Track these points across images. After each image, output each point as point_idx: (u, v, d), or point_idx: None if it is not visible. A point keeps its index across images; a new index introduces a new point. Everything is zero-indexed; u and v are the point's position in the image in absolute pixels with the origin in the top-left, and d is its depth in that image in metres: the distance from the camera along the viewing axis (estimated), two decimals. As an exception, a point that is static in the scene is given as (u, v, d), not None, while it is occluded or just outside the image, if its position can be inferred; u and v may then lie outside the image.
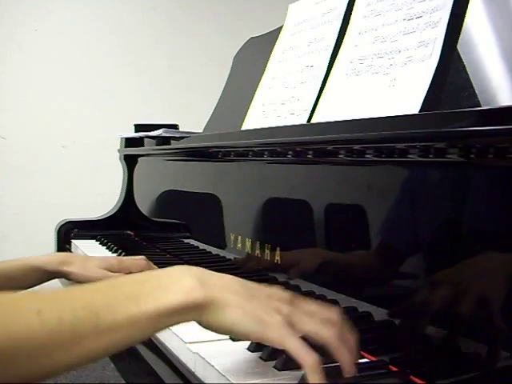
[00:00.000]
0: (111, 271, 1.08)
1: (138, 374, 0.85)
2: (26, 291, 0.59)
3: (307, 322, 0.59)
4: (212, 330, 0.59)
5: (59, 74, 2.93)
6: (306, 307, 0.61)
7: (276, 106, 1.08)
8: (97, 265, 1.08)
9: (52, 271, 1.05)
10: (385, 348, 0.67)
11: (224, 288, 0.59)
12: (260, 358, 0.67)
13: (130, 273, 1.09)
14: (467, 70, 0.73)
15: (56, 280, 1.12)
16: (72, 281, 1.10)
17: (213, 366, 0.65)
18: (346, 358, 0.58)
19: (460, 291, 0.60)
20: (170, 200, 1.51)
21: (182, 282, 0.58)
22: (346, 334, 0.60)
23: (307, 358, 0.55)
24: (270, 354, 0.66)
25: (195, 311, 0.57)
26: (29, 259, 1.05)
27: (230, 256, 1.10)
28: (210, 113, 1.50)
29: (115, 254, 1.36)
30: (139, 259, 1.13)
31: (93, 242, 1.58)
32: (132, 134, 1.72)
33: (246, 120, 1.16)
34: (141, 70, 3.04)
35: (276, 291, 0.63)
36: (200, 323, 0.59)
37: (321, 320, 0.60)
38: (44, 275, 1.06)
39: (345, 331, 0.60)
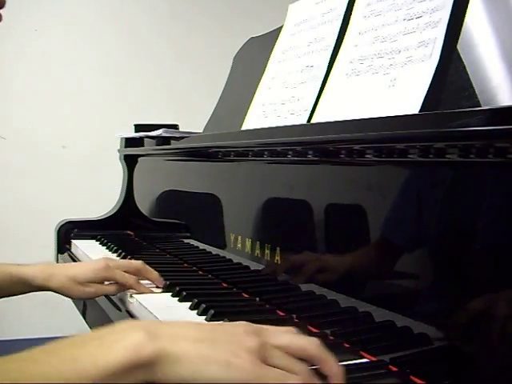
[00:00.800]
0: (99, 279, 1.02)
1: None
2: None
3: (278, 357, 0.53)
4: None
5: (59, 74, 2.93)
6: (275, 339, 0.55)
7: (276, 106, 1.08)
8: (84, 278, 1.01)
9: (37, 286, 1.02)
10: (385, 348, 0.67)
11: (177, 337, 0.52)
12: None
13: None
14: (467, 70, 0.73)
15: None
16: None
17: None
18: (334, 367, 0.54)
19: (460, 291, 0.60)
20: (170, 200, 1.51)
21: (128, 338, 0.50)
22: (329, 366, 0.54)
23: (290, 382, 0.51)
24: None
25: (146, 369, 0.50)
26: (19, 268, 1.02)
27: (230, 256, 1.10)
28: (210, 113, 1.50)
29: (115, 254, 1.36)
30: (136, 263, 1.07)
31: (93, 241, 1.58)
32: (132, 134, 1.72)
33: (245, 120, 1.16)
34: (141, 70, 3.04)
35: (239, 325, 0.56)
36: (154, 382, 0.50)
37: (292, 356, 0.54)
38: (29, 288, 1.03)
39: (328, 363, 0.55)
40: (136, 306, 0.94)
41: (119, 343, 0.50)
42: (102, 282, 1.02)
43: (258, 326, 0.56)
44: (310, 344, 0.56)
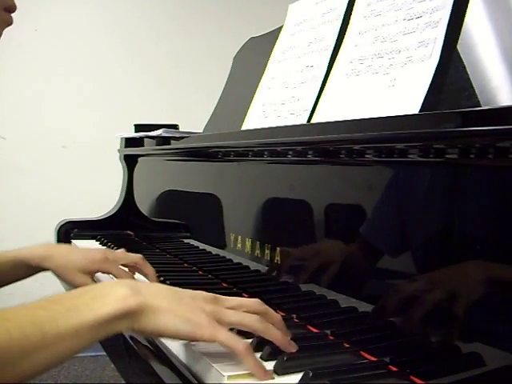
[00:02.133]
0: (93, 270, 1.04)
1: (138, 374, 0.85)
2: None
3: (231, 314, 0.67)
4: (145, 334, 0.66)
5: (59, 74, 2.93)
6: (227, 303, 0.69)
7: (276, 106, 1.08)
8: (78, 267, 1.03)
9: (35, 266, 1.04)
10: (385, 348, 0.67)
11: (154, 294, 0.65)
12: (260, 357, 0.67)
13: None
14: (467, 70, 0.73)
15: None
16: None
17: (213, 366, 0.65)
18: (275, 335, 0.66)
19: (460, 291, 0.60)
20: (170, 200, 1.51)
21: (116, 292, 0.63)
22: (270, 316, 0.69)
23: (238, 345, 0.63)
24: (270, 355, 0.66)
25: (130, 318, 0.62)
26: (18, 252, 1.04)
27: (230, 256, 1.10)
28: (210, 113, 1.50)
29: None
30: (133, 256, 1.09)
31: (93, 242, 1.58)
32: (132, 134, 1.72)
33: (246, 120, 1.16)
34: (141, 70, 3.04)
35: (199, 293, 0.69)
36: (133, 329, 0.64)
37: (243, 311, 0.68)
38: (30, 270, 1.05)
39: (268, 314, 0.69)
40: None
41: (110, 296, 0.62)
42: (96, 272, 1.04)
43: (214, 294, 0.70)
44: (253, 302, 0.71)
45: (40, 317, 0.59)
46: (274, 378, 0.63)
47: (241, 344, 0.63)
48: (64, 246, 1.18)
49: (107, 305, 0.61)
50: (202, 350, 0.69)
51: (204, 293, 0.70)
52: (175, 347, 0.76)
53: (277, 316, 0.71)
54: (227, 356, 0.66)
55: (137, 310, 0.63)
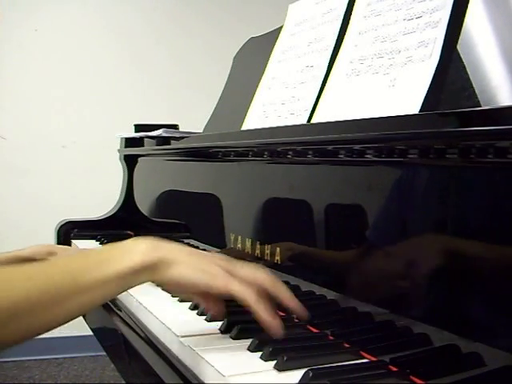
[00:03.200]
0: None
1: (138, 374, 0.85)
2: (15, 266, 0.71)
3: (242, 269, 0.73)
4: (164, 285, 0.75)
5: (59, 74, 2.93)
6: (239, 265, 0.74)
7: (276, 106, 1.08)
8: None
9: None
10: (385, 348, 0.67)
11: (172, 249, 0.72)
12: (260, 358, 0.67)
13: None
14: (467, 70, 0.73)
15: None
16: None
17: (213, 366, 0.65)
18: (284, 294, 0.72)
19: (461, 291, 0.60)
20: (170, 200, 1.51)
21: (139, 247, 0.70)
22: (279, 282, 0.74)
23: (251, 296, 0.68)
24: (271, 354, 0.66)
25: (151, 270, 0.69)
26: (19, 251, 1.11)
27: (230, 256, 1.10)
28: (210, 113, 1.49)
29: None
30: None
31: (93, 242, 1.58)
32: (132, 134, 1.72)
33: (246, 120, 1.16)
34: (141, 70, 3.04)
35: (214, 253, 0.78)
36: (154, 280, 0.71)
37: (252, 268, 0.73)
38: None
39: (277, 280, 0.73)
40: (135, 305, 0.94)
41: (134, 250, 0.69)
42: None
43: (228, 258, 0.76)
44: (263, 270, 0.74)
45: (73, 267, 0.68)
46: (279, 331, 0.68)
47: (253, 295, 0.68)
48: (62, 247, 1.25)
49: (132, 258, 0.68)
50: (202, 350, 0.69)
51: (218, 253, 0.79)
52: (175, 347, 0.76)
53: (286, 287, 0.74)
54: (227, 355, 0.66)
55: (157, 263, 0.69)
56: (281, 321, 0.69)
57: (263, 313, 0.68)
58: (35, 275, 0.65)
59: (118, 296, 1.05)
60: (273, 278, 0.72)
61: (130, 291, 1.00)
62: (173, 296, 0.96)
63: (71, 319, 0.66)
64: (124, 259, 0.68)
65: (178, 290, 0.78)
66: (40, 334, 0.65)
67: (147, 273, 0.69)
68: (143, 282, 0.70)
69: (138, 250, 0.69)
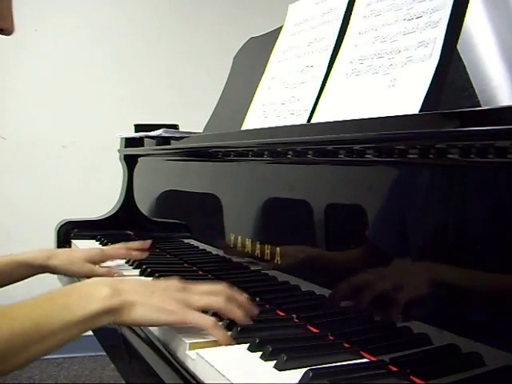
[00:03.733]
0: (95, 262, 1.18)
1: (138, 374, 0.85)
2: None
3: (198, 299, 0.77)
4: (126, 326, 0.78)
5: (59, 74, 2.93)
6: (195, 290, 0.79)
7: (276, 106, 1.08)
8: (81, 258, 1.17)
9: (39, 266, 1.16)
10: (385, 348, 0.67)
11: (130, 291, 0.75)
12: (260, 358, 0.67)
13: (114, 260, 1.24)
14: (467, 70, 0.73)
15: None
16: (58, 274, 1.21)
17: (213, 366, 0.65)
18: (237, 313, 0.76)
19: (461, 291, 0.60)
20: (170, 200, 1.51)
21: (100, 292, 0.73)
22: (234, 296, 0.79)
23: (206, 322, 0.73)
24: (271, 354, 0.66)
25: (112, 313, 0.73)
26: (17, 255, 1.14)
27: (230, 256, 1.10)
28: (210, 113, 1.49)
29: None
30: (119, 247, 1.25)
31: (93, 242, 1.58)
32: (132, 134, 1.72)
33: (246, 120, 1.16)
34: (141, 70, 3.04)
35: (171, 283, 0.80)
36: (115, 323, 0.74)
37: (209, 294, 0.78)
38: (31, 270, 1.16)
39: (234, 296, 0.79)
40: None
41: (95, 295, 0.73)
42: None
43: (183, 283, 0.80)
44: (219, 288, 0.80)
45: (37, 314, 0.70)
46: (233, 344, 0.71)
47: (208, 321, 0.73)
48: (64, 249, 1.30)
49: (93, 303, 0.72)
50: (202, 350, 0.69)
51: (175, 282, 0.81)
52: (175, 347, 0.76)
53: (242, 297, 0.81)
54: (227, 355, 0.66)
55: (117, 307, 0.73)
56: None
57: (220, 336, 0.72)
58: (1, 324, 0.67)
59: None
60: (225, 301, 0.77)
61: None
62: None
63: (32, 361, 0.70)
64: (85, 304, 0.71)
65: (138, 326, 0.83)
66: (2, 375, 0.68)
67: (108, 316, 0.73)
68: (105, 325, 0.74)
69: (98, 295, 0.73)
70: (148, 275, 1.13)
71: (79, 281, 1.24)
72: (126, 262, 1.27)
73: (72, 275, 1.19)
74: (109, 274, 1.15)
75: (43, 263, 1.14)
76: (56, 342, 0.70)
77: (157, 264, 1.21)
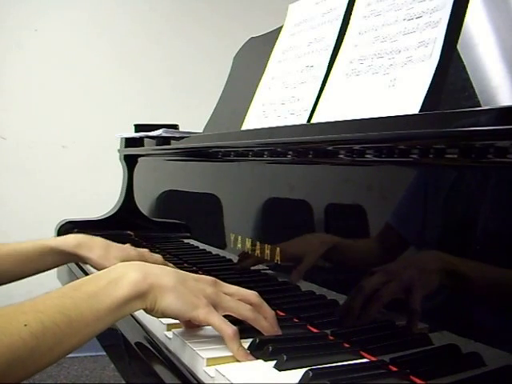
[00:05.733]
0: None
1: (138, 374, 0.85)
2: (7, 306, 0.67)
3: (228, 300, 0.73)
4: (153, 313, 0.72)
5: (59, 74, 2.93)
6: (226, 289, 0.76)
7: (276, 106, 1.08)
8: (117, 256, 1.10)
9: (69, 253, 1.08)
10: (385, 348, 0.67)
11: (161, 276, 0.72)
12: (260, 358, 0.67)
13: None
14: (467, 70, 0.73)
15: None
16: (89, 265, 1.12)
17: (213, 366, 0.65)
18: (264, 325, 0.73)
19: (461, 291, 0.60)
20: (170, 200, 1.51)
21: (128, 276, 0.70)
22: (264, 309, 0.75)
23: (227, 330, 0.69)
24: (271, 354, 0.66)
25: (142, 298, 0.70)
26: (47, 240, 1.08)
27: (230, 256, 1.10)
28: (210, 113, 1.49)
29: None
30: (157, 256, 1.17)
31: (93, 241, 1.58)
32: (132, 134, 1.72)
33: (246, 120, 1.16)
34: (141, 70, 3.04)
35: (202, 276, 0.77)
36: (146, 309, 0.71)
37: (239, 299, 0.74)
38: (61, 257, 1.09)
39: (262, 307, 0.75)
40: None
41: (124, 280, 0.69)
42: None
43: (214, 278, 0.76)
44: (250, 294, 0.76)
45: (67, 306, 0.66)
46: (252, 360, 0.67)
47: (229, 330, 0.69)
48: (97, 238, 1.21)
49: (122, 289, 0.68)
50: (202, 350, 0.69)
51: (206, 276, 0.77)
52: (175, 347, 0.76)
53: (270, 311, 0.76)
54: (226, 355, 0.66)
55: (147, 291, 0.70)
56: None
57: (235, 349, 0.68)
58: (31, 320, 0.62)
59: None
60: (254, 310, 0.74)
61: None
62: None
63: (67, 354, 0.66)
64: (114, 290, 0.68)
65: (160, 317, 0.78)
66: (37, 373, 0.65)
67: (139, 301, 0.70)
68: (135, 311, 0.71)
69: (128, 279, 0.69)
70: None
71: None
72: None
73: (97, 267, 1.13)
74: None
75: (73, 251, 1.08)
76: (89, 333, 0.67)
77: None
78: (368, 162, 0.73)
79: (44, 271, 1.10)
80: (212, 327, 0.71)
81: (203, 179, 1.28)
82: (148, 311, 0.72)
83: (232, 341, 0.68)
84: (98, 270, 1.09)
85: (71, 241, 1.09)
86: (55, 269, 1.19)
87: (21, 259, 1.05)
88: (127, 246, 1.20)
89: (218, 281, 0.76)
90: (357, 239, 0.77)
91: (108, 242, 1.18)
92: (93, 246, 1.11)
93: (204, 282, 0.74)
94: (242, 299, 0.75)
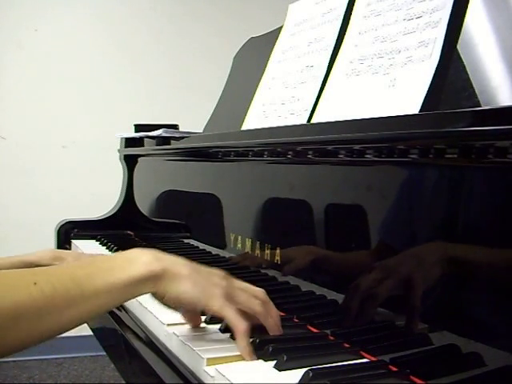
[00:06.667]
0: None
1: (138, 374, 0.85)
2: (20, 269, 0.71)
3: (241, 295, 0.73)
4: (165, 299, 0.71)
5: (59, 74, 2.93)
6: (238, 284, 0.75)
7: (276, 106, 1.08)
8: None
9: (44, 266, 1.08)
10: (385, 348, 0.67)
11: (175, 262, 0.72)
12: (260, 358, 0.67)
13: None
14: (467, 70, 0.73)
15: None
16: None
17: (214, 366, 0.65)
18: (271, 323, 0.73)
19: (460, 291, 0.60)
20: (170, 200, 1.51)
21: (144, 257, 0.71)
22: (270, 307, 0.75)
23: (239, 325, 0.69)
24: (271, 354, 0.66)
25: (154, 281, 0.70)
26: (23, 256, 1.09)
27: (230, 256, 1.10)
28: (210, 113, 1.49)
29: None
30: None
31: (93, 241, 1.58)
32: (132, 134, 1.72)
33: (246, 120, 1.16)
34: (141, 70, 3.04)
35: (214, 269, 0.76)
36: (156, 292, 0.71)
37: (249, 294, 0.74)
38: None
39: (269, 305, 0.75)
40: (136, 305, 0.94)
41: (138, 260, 0.70)
42: None
43: (225, 273, 0.76)
44: (258, 291, 0.76)
45: (79, 274, 0.67)
46: (256, 360, 0.67)
47: (242, 325, 0.69)
48: (68, 251, 1.24)
49: (136, 267, 0.69)
50: (202, 350, 0.69)
51: (217, 270, 0.76)
52: (175, 347, 0.76)
53: (276, 310, 0.76)
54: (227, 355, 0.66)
55: (160, 274, 0.70)
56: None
57: (243, 346, 0.68)
58: (41, 280, 0.64)
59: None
60: (265, 310, 0.73)
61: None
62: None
63: (75, 326, 0.67)
64: (129, 268, 0.69)
65: (171, 305, 0.77)
66: (42, 340, 0.65)
67: (151, 283, 0.70)
68: (147, 292, 0.71)
69: (142, 259, 0.70)
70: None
71: None
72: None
73: None
74: None
75: (50, 264, 1.10)
76: (99, 304, 0.67)
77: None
78: (368, 162, 0.73)
79: None
80: (225, 320, 0.71)
81: (203, 179, 1.28)
82: (158, 296, 0.72)
83: (242, 336, 0.68)
84: None
85: (47, 254, 1.11)
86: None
87: None
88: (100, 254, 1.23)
89: (229, 275, 0.76)
90: (356, 239, 0.77)
91: (80, 253, 1.23)
92: (65, 256, 1.12)
93: (217, 275, 0.74)
94: (252, 294, 0.75)
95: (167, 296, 0.71)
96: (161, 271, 0.70)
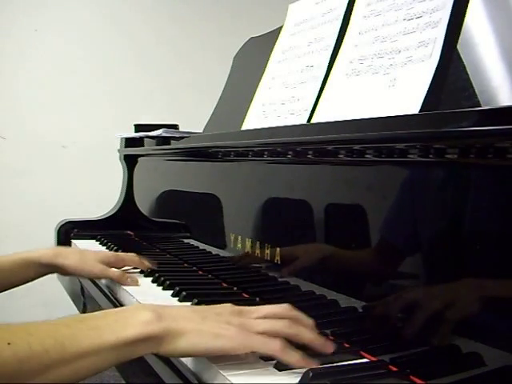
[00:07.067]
0: (107, 265, 1.10)
1: (138, 374, 0.85)
2: None
3: (259, 323, 0.65)
4: (175, 357, 0.67)
5: (59, 74, 2.92)
6: (255, 314, 0.68)
7: (276, 106, 1.08)
8: (93, 258, 1.10)
9: (47, 264, 1.08)
10: (385, 348, 0.67)
11: (177, 317, 0.65)
12: (261, 357, 0.67)
13: (124, 266, 1.15)
14: (467, 69, 0.73)
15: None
16: (68, 274, 1.12)
17: (213, 366, 0.65)
18: (308, 337, 0.65)
19: (460, 291, 0.60)
20: (170, 200, 1.51)
21: (139, 316, 0.63)
22: (301, 320, 0.67)
23: (273, 346, 0.62)
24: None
25: (153, 342, 0.62)
26: (24, 253, 1.08)
27: (230, 256, 1.10)
28: (210, 113, 1.49)
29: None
30: (132, 255, 1.17)
31: (93, 241, 1.58)
32: (132, 133, 1.72)
33: (246, 120, 1.16)
34: (141, 70, 3.04)
35: (224, 307, 0.69)
36: (159, 353, 0.64)
37: (271, 318, 0.67)
38: (40, 269, 1.08)
39: (299, 319, 0.67)
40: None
41: (133, 319, 0.62)
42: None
43: (239, 307, 0.69)
44: (283, 309, 0.69)
45: (62, 333, 0.60)
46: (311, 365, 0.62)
47: (276, 344, 0.62)
48: (70, 247, 1.23)
49: (130, 328, 0.62)
50: None
51: (229, 306, 0.70)
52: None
53: (308, 321, 0.69)
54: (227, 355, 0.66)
55: (160, 335, 0.62)
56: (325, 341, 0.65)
57: (293, 359, 0.62)
58: (17, 339, 0.58)
59: (118, 296, 1.06)
60: (291, 323, 0.66)
61: (130, 291, 1.01)
62: (172, 296, 0.96)
63: None
64: (119, 329, 0.62)
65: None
66: None
67: (148, 345, 0.63)
68: (146, 354, 0.65)
69: (137, 319, 0.63)
70: (148, 276, 1.13)
71: (91, 281, 1.19)
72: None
73: (83, 275, 1.13)
74: (122, 276, 1.07)
75: (51, 261, 1.07)
76: (88, 368, 0.60)
77: (157, 264, 1.21)
78: (368, 162, 0.73)
79: (24, 283, 1.10)
80: (256, 350, 0.64)
81: (203, 179, 1.28)
82: (165, 355, 0.67)
83: (286, 354, 0.62)
84: (77, 275, 1.12)
85: (49, 252, 1.09)
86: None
87: (3, 273, 1.06)
88: (102, 251, 1.23)
89: (244, 308, 0.69)
90: (356, 239, 0.77)
91: (81, 249, 1.20)
92: (68, 253, 1.10)
93: (227, 314, 0.67)
94: (276, 317, 0.68)
95: (177, 353, 0.65)
96: (162, 332, 0.62)
